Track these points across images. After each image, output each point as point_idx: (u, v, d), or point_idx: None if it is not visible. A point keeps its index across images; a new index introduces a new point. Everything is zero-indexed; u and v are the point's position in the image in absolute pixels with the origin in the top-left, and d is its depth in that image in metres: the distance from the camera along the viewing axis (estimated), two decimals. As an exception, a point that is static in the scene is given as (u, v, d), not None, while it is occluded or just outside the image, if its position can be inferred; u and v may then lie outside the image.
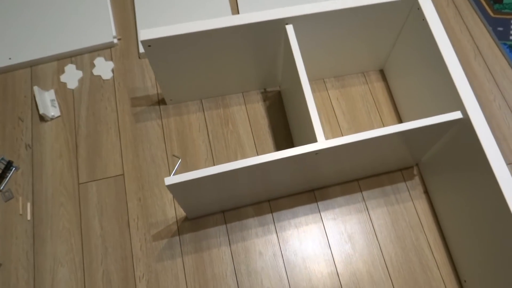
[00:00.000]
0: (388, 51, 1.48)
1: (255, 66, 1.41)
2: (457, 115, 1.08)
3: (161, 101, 1.53)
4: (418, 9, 1.24)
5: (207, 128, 1.48)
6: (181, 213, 1.35)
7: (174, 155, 1.44)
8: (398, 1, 1.24)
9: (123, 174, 1.41)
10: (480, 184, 1.09)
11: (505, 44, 1.62)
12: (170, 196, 1.38)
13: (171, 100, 1.50)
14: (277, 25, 1.22)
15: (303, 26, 1.25)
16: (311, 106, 1.11)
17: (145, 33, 1.17)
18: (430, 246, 1.32)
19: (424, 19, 1.22)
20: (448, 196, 1.27)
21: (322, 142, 1.04)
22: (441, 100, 1.20)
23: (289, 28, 1.22)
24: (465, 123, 1.09)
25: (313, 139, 1.10)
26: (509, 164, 1.43)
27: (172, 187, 1.03)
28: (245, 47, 1.29)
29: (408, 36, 1.33)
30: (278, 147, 1.45)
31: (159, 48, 1.21)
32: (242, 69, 1.41)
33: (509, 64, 1.58)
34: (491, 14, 1.70)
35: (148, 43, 1.18)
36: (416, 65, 1.32)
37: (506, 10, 1.70)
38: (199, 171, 1.00)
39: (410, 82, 1.39)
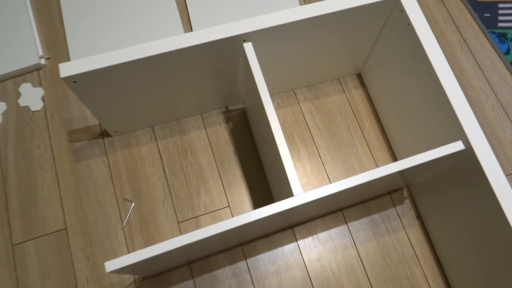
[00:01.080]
0: (367, 54, 1.28)
1: (213, 83, 1.18)
2: (458, 146, 0.90)
3: (104, 133, 1.28)
4: (401, 11, 1.02)
5: (162, 162, 1.26)
6: (139, 270, 1.14)
7: (125, 199, 1.22)
8: (376, 3, 1.02)
9: (65, 228, 1.18)
10: (482, 206, 0.92)
11: (493, 33, 1.44)
12: (124, 249, 1.16)
13: (115, 131, 1.26)
14: (234, 43, 0.99)
15: (264, 41, 1.03)
16: (284, 156, 0.89)
17: (66, 68, 0.92)
18: (427, 281, 1.16)
19: (409, 23, 1.01)
20: (444, 221, 1.10)
21: (299, 197, 0.84)
22: (429, 104, 1.01)
23: (248, 47, 0.99)
24: (467, 154, 0.91)
25: (288, 187, 0.90)
26: (508, 175, 1.28)
27: (118, 271, 0.82)
28: (199, 67, 1.06)
29: (390, 36, 1.12)
30: (248, 178, 1.25)
31: (88, 83, 0.96)
32: (198, 89, 1.18)
33: (499, 57, 1.40)
34: (475, -3, 1.50)
35: (72, 80, 0.93)
36: (399, 66, 1.12)
37: (492, -8, 1.51)
38: (151, 248, 0.79)
39: (392, 85, 1.19)
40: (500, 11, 1.47)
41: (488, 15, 1.46)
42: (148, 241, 1.17)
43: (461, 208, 1.01)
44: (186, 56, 0.98)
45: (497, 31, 1.44)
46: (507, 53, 1.40)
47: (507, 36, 1.42)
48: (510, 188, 0.86)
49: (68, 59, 1.37)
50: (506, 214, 0.84)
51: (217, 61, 1.06)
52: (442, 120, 0.97)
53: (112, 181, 1.23)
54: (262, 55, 1.08)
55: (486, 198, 0.89)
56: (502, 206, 0.84)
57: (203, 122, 1.31)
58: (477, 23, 1.46)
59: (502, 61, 1.39)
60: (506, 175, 1.27)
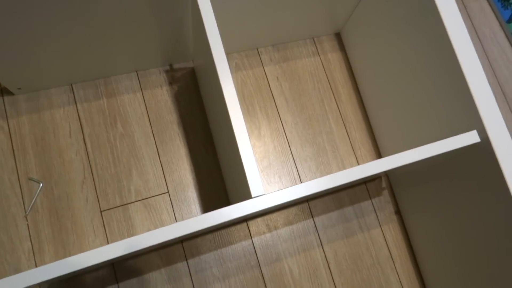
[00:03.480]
0: (350, 8, 1.02)
1: (153, 32, 0.88)
2: (473, 137, 0.68)
3: (4, 90, 0.97)
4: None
5: (82, 132, 0.97)
6: (45, 273, 0.88)
7: (30, 179, 0.93)
8: None
9: None
10: (481, 205, 0.73)
11: (495, -5, 1.22)
12: (27, 244, 0.89)
13: (19, 88, 0.94)
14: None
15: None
16: (243, 144, 0.64)
17: None
18: (403, 288, 0.98)
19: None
20: (427, 218, 0.91)
21: (259, 200, 0.60)
22: (430, 78, 0.79)
23: (197, -18, 0.70)
24: (482, 148, 0.70)
25: (245, 185, 0.65)
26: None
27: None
28: (134, 7, 0.76)
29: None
30: (194, 157, 0.99)
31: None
32: (133, 38, 0.89)
33: (500, 25, 1.19)
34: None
35: None
36: (390, 27, 0.88)
37: None
38: (59, 264, 0.53)
39: (378, 51, 0.95)
40: (503, -29, 1.24)
41: (490, -27, 1.24)
42: (60, 235, 0.90)
43: (450, 205, 0.81)
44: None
45: (499, -6, 1.22)
46: (509, 20, 1.19)
47: (511, 1, 1.21)
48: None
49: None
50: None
51: (158, 3, 0.77)
52: (448, 100, 0.75)
53: (14, 154, 0.93)
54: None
55: (497, 197, 0.69)
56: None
57: (139, 82, 1.02)
58: (477, -18, 1.23)
59: (503, 30, 1.18)
60: (497, 165, 1.09)
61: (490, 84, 1.14)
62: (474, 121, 0.69)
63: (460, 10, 1.19)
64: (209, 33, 0.69)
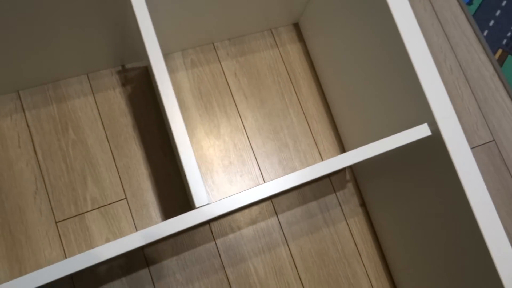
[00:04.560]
0: (305, -2, 0.99)
1: (101, 32, 0.84)
2: (423, 131, 0.66)
3: None
4: None
5: (32, 140, 0.93)
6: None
7: (-21, 193, 0.89)
8: None
9: None
10: (444, 196, 0.72)
11: (455, -23, 1.19)
12: (-21, 262, 0.85)
13: (-40, 99, 0.89)
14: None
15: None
16: (184, 154, 0.62)
17: None
18: (370, 281, 0.98)
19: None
20: (392, 210, 0.90)
21: (203, 210, 0.58)
22: (384, 66, 0.77)
23: (130, -20, 0.66)
24: (435, 140, 0.68)
25: (190, 195, 0.63)
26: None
27: None
28: (77, 5, 0.72)
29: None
30: (151, 160, 0.96)
31: None
32: (81, 38, 0.84)
33: (461, 7, 1.17)
34: None
35: None
36: (346, 15, 0.85)
37: None
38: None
39: (336, 40, 0.92)
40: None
41: (450, -46, 1.21)
42: (14, 250, 0.87)
43: (411, 196, 0.80)
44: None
45: (459, -25, 1.20)
46: (470, 3, 1.17)
47: (471, -18, 1.19)
48: (481, 180, 0.65)
49: None
50: (473, 209, 0.64)
51: (95, 4, 0.73)
52: (401, 93, 0.73)
53: (-41, 168, 0.89)
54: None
55: (449, 189, 0.68)
56: (471, 205, 0.64)
57: (90, 85, 0.98)
58: (437, -36, 1.21)
59: (464, 13, 1.17)
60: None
61: (452, 68, 1.13)
62: (426, 114, 0.67)
63: (420, -6, 1.17)
64: (142, 29, 0.65)
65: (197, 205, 0.59)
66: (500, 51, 1.14)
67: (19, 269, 0.86)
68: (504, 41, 1.15)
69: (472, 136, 1.10)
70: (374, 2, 0.72)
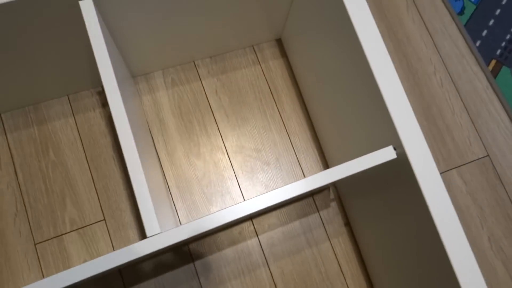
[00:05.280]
0: (285, 12, 0.97)
1: (77, 54, 0.85)
2: (388, 153, 0.64)
3: None
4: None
5: (13, 162, 0.94)
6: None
7: (-40, 216, 0.90)
8: None
9: None
10: (414, 216, 0.68)
11: (446, -14, 1.16)
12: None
13: None
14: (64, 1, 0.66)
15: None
16: (135, 179, 0.61)
17: None
18: (355, 304, 0.94)
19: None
20: (377, 229, 0.87)
21: (155, 240, 0.56)
22: (357, 82, 0.74)
23: (85, 5, 0.66)
24: (402, 162, 0.65)
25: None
26: (456, 167, 1.05)
27: None
28: (47, 31, 0.73)
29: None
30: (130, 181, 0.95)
31: None
32: (57, 62, 0.85)
33: (452, 17, 1.13)
34: None
35: None
36: (323, 30, 0.83)
37: None
38: None
39: (317, 55, 0.90)
40: (456, -41, 1.18)
41: (441, -37, 1.17)
42: (-8, 272, 0.88)
43: (392, 216, 0.77)
44: (22, 16, 0.65)
45: (450, -16, 1.16)
46: (461, 12, 1.13)
47: (462, -9, 1.15)
48: (450, 204, 0.61)
49: None
50: (438, 230, 0.60)
51: (65, 27, 0.73)
52: (371, 113, 0.71)
53: None
54: (123, 12, 0.75)
55: (421, 212, 0.65)
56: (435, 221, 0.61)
57: (71, 106, 0.98)
58: (427, -27, 1.17)
59: (455, 23, 1.13)
60: (454, 167, 1.04)
61: (442, 80, 1.09)
62: (393, 136, 0.64)
63: (408, 5, 1.14)
64: (97, 55, 0.64)
65: (148, 234, 0.57)
66: (493, 62, 1.10)
67: (-3, 292, 0.87)
68: (498, 52, 1.11)
69: (464, 151, 1.05)
70: (342, 23, 0.70)
